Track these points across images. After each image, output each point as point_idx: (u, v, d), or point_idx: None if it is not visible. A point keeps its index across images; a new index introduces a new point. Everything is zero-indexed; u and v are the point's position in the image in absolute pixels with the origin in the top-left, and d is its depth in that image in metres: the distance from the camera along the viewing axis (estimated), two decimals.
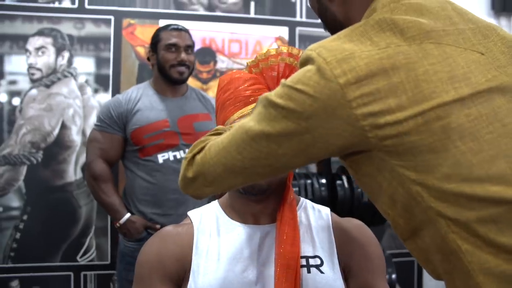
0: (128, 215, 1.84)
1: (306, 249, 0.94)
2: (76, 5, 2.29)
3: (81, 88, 2.30)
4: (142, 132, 1.84)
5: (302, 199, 1.05)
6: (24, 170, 2.22)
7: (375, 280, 0.97)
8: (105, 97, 2.31)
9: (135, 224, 1.82)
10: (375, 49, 0.66)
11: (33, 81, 2.25)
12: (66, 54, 2.29)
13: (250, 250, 0.94)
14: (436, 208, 0.65)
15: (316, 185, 2.03)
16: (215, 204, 1.04)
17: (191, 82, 2.23)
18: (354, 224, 1.03)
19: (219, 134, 0.84)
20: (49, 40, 2.27)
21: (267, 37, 2.52)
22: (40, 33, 2.26)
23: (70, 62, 2.29)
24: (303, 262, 0.92)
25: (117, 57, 2.33)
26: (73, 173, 2.27)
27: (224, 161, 0.74)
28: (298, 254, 0.90)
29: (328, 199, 2.04)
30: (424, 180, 0.65)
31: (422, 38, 0.68)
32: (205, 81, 2.46)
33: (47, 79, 2.26)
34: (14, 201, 2.21)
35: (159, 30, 1.95)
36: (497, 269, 0.63)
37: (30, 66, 2.25)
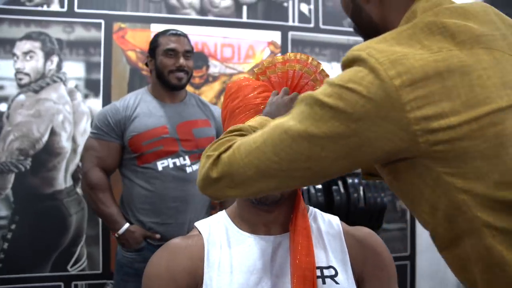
0: (127, 225, 1.79)
1: (320, 259, 0.93)
2: (65, 9, 2.24)
3: (70, 93, 2.25)
4: (140, 139, 1.79)
5: (311, 207, 1.04)
6: (12, 178, 2.16)
7: None
8: (95, 103, 2.26)
9: (134, 234, 1.76)
10: (428, 52, 0.64)
11: (21, 86, 2.19)
12: (55, 59, 2.23)
13: (263, 262, 0.92)
14: (482, 218, 0.64)
15: (313, 191, 2.02)
16: (222, 214, 1.02)
17: None
18: (365, 232, 1.02)
19: (243, 134, 0.80)
20: (37, 44, 2.21)
21: (260, 42, 2.51)
22: (28, 37, 2.20)
23: (59, 66, 2.24)
24: (318, 273, 0.91)
25: (107, 61, 2.29)
26: (63, 180, 2.22)
27: (257, 163, 0.69)
28: (314, 265, 0.88)
29: (325, 204, 2.03)
30: (472, 188, 0.64)
31: (473, 43, 0.67)
32: (197, 86, 2.43)
33: (36, 84, 2.20)
34: (2, 210, 2.14)
35: (158, 35, 1.91)
36: None
37: (18, 71, 2.19)
